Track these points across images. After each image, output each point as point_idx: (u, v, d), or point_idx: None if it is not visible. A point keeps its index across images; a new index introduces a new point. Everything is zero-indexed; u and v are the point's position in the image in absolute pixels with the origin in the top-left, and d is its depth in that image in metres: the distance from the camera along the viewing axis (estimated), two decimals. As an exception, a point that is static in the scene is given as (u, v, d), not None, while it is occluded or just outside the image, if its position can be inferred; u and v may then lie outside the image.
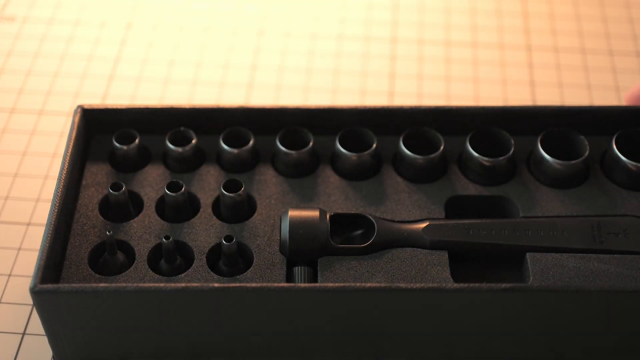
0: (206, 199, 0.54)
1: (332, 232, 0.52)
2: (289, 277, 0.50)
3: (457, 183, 0.55)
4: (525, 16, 0.73)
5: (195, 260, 0.51)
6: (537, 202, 0.53)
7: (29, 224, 0.58)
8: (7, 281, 0.55)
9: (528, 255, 0.51)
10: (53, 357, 0.51)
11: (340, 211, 0.53)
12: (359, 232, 0.52)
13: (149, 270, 0.50)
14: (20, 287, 0.55)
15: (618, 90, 0.66)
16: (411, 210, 0.53)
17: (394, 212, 0.53)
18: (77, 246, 0.51)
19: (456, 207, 0.54)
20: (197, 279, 0.50)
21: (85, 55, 0.69)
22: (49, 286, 0.47)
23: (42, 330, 0.52)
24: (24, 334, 0.53)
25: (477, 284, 0.47)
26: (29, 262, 0.56)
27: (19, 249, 0.57)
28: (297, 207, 0.52)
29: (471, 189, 0.54)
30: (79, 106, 0.55)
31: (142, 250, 0.51)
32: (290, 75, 0.68)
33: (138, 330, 0.49)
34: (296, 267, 0.50)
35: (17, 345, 0.52)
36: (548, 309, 0.48)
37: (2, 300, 0.54)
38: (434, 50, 0.70)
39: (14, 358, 0.51)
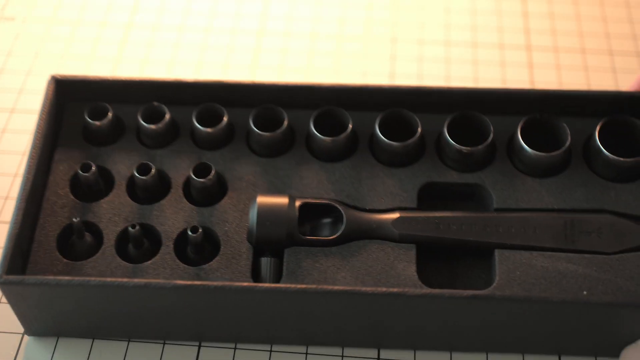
0: (178, 178, 0.53)
1: (302, 219, 0.51)
2: (255, 268, 0.50)
3: (433, 168, 0.53)
4: (525, 16, 0.70)
5: (162, 247, 0.51)
6: (513, 191, 0.52)
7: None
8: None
9: (496, 252, 0.50)
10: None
11: (312, 195, 0.52)
12: (329, 220, 0.52)
13: (116, 256, 0.50)
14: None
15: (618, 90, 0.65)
16: (384, 197, 0.52)
17: (366, 198, 0.52)
18: (47, 228, 0.51)
19: (430, 193, 0.53)
20: (164, 267, 0.50)
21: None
22: (14, 277, 0.47)
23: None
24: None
25: (439, 290, 0.47)
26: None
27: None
28: (266, 194, 0.52)
29: (447, 175, 0.53)
30: (51, 76, 0.55)
31: (110, 233, 0.51)
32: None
33: (104, 316, 0.50)
34: (263, 259, 0.50)
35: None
36: (509, 315, 0.48)
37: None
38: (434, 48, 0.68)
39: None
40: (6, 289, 0.48)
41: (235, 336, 0.52)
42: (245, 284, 0.47)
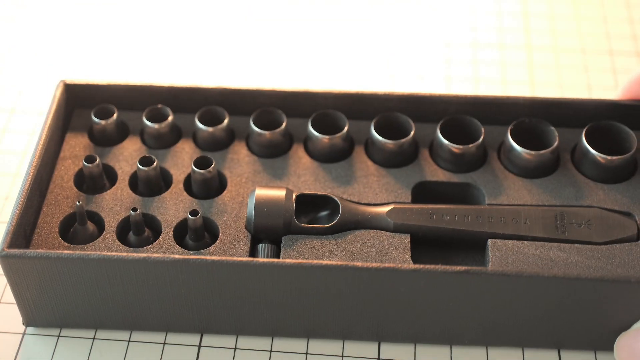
0: (179, 175, 0.55)
1: (299, 212, 0.53)
2: (253, 254, 0.51)
3: (426, 169, 0.55)
4: (525, 16, 0.73)
5: (162, 234, 0.52)
6: (504, 190, 0.54)
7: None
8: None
9: (489, 241, 0.51)
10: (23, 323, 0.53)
11: (308, 192, 0.54)
12: (325, 213, 0.53)
13: (117, 241, 0.51)
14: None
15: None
16: (378, 194, 0.54)
17: (361, 195, 0.54)
18: (49, 215, 0.52)
19: (424, 192, 0.55)
20: (163, 251, 0.51)
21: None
22: (15, 251, 0.48)
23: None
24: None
25: (432, 266, 0.48)
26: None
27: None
28: (264, 186, 0.53)
29: (440, 175, 0.55)
30: (61, 81, 0.57)
31: (111, 222, 0.52)
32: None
33: (104, 299, 0.50)
34: (260, 244, 0.51)
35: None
36: (504, 294, 0.49)
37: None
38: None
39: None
40: (6, 263, 0.48)
41: (232, 326, 0.52)
42: (243, 259, 0.48)
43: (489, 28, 0.72)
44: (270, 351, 0.52)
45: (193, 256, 0.48)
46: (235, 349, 0.52)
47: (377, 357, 0.52)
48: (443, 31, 0.72)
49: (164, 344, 0.52)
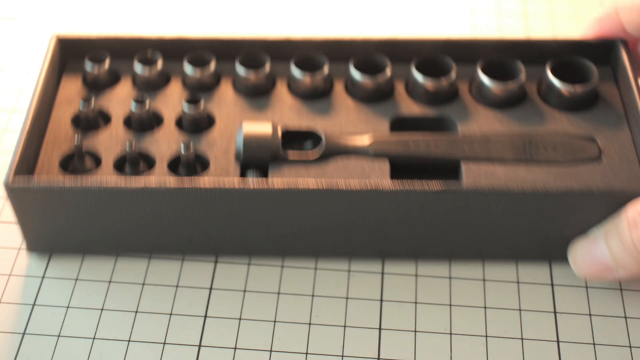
0: (170, 115, 0.58)
1: (284, 146, 0.56)
2: (242, 182, 0.55)
3: (402, 104, 0.59)
4: (525, 16, 0.76)
5: (156, 165, 0.55)
6: (476, 120, 0.58)
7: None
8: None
9: (462, 165, 0.55)
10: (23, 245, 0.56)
11: (292, 125, 0.57)
12: (309, 145, 0.57)
13: (114, 173, 0.55)
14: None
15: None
16: (358, 127, 0.58)
17: (342, 128, 0.57)
18: (49, 153, 0.56)
19: (401, 125, 0.58)
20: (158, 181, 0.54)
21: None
22: (20, 180, 0.51)
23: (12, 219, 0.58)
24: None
25: (410, 183, 0.51)
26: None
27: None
28: (252, 120, 0.57)
29: (415, 109, 0.59)
30: (54, 34, 0.60)
31: (108, 157, 0.56)
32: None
33: (102, 226, 0.54)
34: (249, 171, 0.55)
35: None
36: (476, 211, 0.52)
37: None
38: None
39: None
40: (12, 193, 0.51)
41: (224, 250, 0.55)
42: (234, 184, 0.51)
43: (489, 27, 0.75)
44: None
45: (187, 185, 0.51)
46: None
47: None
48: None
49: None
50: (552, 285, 0.56)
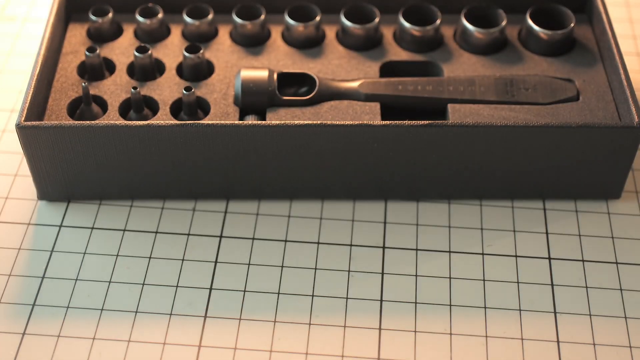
0: (171, 64, 0.61)
1: (280, 90, 0.59)
2: (241, 124, 0.58)
3: (391, 51, 0.62)
4: None
5: (160, 111, 0.58)
6: (460, 65, 0.61)
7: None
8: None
9: (449, 106, 0.58)
10: (37, 196, 0.59)
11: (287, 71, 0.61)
12: (304, 89, 0.60)
13: (120, 118, 0.58)
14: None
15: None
16: (350, 72, 0.61)
17: (335, 73, 0.61)
18: (57, 99, 0.59)
19: (389, 70, 0.62)
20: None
21: None
22: (31, 123, 0.54)
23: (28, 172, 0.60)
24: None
25: (400, 121, 0.55)
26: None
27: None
28: (249, 67, 0.60)
29: (403, 55, 0.62)
30: (56, -8, 0.63)
31: (114, 103, 0.59)
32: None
33: (111, 170, 0.57)
34: (247, 115, 0.58)
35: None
36: (462, 147, 0.56)
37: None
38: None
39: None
40: (24, 134, 0.54)
41: (226, 191, 0.59)
42: (233, 122, 0.55)
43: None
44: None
45: (189, 122, 0.54)
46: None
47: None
48: None
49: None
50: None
